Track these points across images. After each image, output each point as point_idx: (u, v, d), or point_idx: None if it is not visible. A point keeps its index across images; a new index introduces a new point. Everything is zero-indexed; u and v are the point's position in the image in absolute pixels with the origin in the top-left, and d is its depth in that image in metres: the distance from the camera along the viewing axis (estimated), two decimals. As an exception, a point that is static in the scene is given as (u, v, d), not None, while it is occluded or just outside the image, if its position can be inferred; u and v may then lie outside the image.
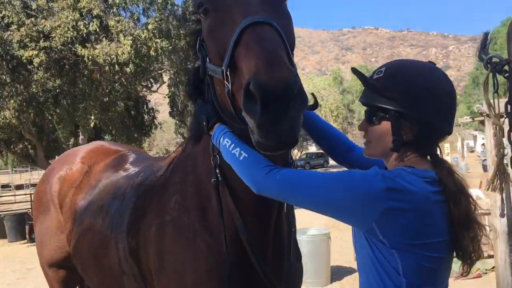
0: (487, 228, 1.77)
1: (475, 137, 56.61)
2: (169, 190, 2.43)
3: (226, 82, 1.57)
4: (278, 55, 1.38)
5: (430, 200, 1.59)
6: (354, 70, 1.88)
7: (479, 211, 1.74)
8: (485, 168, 23.29)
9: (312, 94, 1.82)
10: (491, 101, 1.54)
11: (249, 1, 1.62)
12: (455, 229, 1.62)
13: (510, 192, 3.90)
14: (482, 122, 12.02)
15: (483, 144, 27.90)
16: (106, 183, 3.10)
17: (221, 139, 1.87)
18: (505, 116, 1.70)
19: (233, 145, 1.81)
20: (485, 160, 24.59)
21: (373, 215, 1.56)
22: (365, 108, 1.85)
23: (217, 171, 1.99)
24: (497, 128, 1.54)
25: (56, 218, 3.41)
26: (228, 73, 1.55)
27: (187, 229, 2.21)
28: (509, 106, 1.54)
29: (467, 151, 50.85)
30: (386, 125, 1.73)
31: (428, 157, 1.77)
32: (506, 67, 1.45)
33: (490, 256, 9.07)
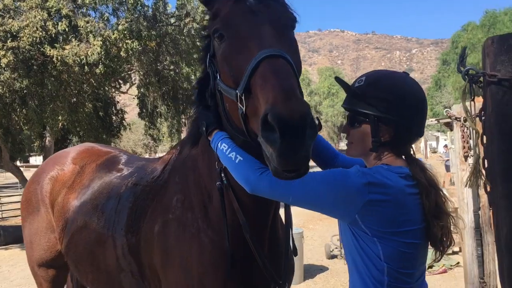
0: (457, 220, 2.00)
1: (437, 138, 58.25)
2: (169, 190, 2.56)
3: (240, 105, 1.69)
4: (292, 89, 1.49)
5: (405, 193, 1.80)
6: (338, 79, 2.09)
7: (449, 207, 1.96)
8: (447, 168, 24.01)
9: (317, 118, 2.00)
10: (468, 108, 1.75)
11: (263, 32, 1.73)
12: (427, 218, 1.82)
13: (477, 190, 4.18)
14: (446, 124, 12.54)
15: (445, 146, 28.73)
16: (100, 183, 3.18)
17: (219, 144, 2.02)
18: (473, 118, 1.93)
19: (229, 149, 1.97)
20: (447, 160, 25.33)
21: (356, 207, 1.76)
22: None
23: (222, 175, 2.14)
24: (473, 132, 1.74)
25: (47, 218, 3.46)
26: (242, 97, 1.66)
27: (191, 226, 2.35)
28: (483, 112, 1.75)
29: (429, 151, 52.31)
30: (366, 128, 1.94)
31: (403, 157, 1.98)
32: (481, 79, 1.66)
33: (455, 253, 9.51)
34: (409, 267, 1.84)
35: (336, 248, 10.07)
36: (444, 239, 1.86)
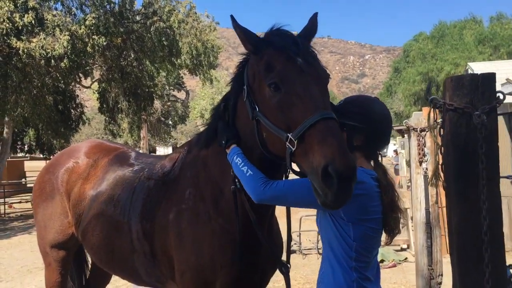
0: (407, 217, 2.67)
1: (387, 143, 60.30)
2: (182, 184, 3.03)
3: (289, 145, 2.12)
4: (345, 147, 2.00)
5: (374, 190, 2.42)
6: None
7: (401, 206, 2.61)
8: (396, 172, 25.18)
9: None
10: (433, 122, 2.38)
11: (315, 93, 2.20)
12: (385, 210, 2.44)
13: (429, 189, 4.90)
14: (398, 130, 13.60)
15: (395, 151, 30.09)
16: (114, 176, 3.59)
17: (235, 157, 2.58)
18: (427, 130, 2.54)
19: (242, 163, 2.53)
20: (397, 164, 26.57)
21: None
22: None
23: (236, 180, 2.63)
24: (435, 144, 2.36)
25: (61, 205, 3.84)
26: (295, 141, 2.09)
27: (203, 214, 2.84)
28: (441, 130, 2.36)
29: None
30: (345, 135, 2.53)
31: (372, 161, 2.61)
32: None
33: (403, 249, 10.36)
34: (369, 247, 2.44)
35: (295, 244, 10.66)
36: (395, 227, 2.49)
